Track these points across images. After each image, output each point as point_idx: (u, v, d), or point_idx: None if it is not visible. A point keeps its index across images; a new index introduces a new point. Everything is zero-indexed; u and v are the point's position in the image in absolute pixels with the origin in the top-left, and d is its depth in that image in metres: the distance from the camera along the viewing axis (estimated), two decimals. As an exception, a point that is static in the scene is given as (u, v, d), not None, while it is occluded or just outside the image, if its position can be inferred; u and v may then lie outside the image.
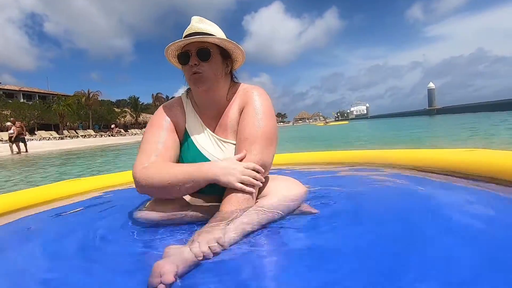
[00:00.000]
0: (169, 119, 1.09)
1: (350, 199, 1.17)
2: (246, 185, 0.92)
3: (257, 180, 0.94)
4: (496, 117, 17.52)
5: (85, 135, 31.18)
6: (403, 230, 0.82)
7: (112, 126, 37.94)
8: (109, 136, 31.98)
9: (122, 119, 44.54)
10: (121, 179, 2.02)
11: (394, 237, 0.78)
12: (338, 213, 1.01)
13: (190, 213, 1.01)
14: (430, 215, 0.95)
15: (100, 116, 40.02)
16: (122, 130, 38.83)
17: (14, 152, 11.69)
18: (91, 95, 40.35)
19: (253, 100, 1.05)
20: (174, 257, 0.67)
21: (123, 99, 54.98)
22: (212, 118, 1.11)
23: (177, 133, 1.10)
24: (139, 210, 1.04)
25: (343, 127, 24.99)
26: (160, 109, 1.14)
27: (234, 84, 1.13)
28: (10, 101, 35.54)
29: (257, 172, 0.95)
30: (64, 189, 1.74)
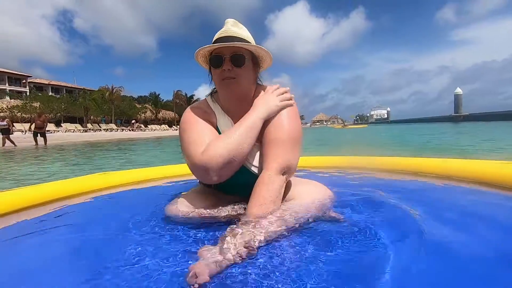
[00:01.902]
0: (203, 117, 1.09)
1: (375, 206, 1.13)
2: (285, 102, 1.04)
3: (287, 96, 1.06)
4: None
5: (107, 129, 32.31)
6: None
7: (133, 121, 39.05)
8: (129, 130, 32.95)
9: (143, 114, 45.75)
10: (154, 173, 2.04)
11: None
12: (364, 220, 0.98)
13: (217, 211, 1.02)
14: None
15: (122, 111, 41.29)
16: (142, 126, 39.89)
17: (5, 145, 10.74)
18: (114, 90, 41.70)
19: None
20: (208, 259, 0.71)
21: (144, 96, 56.40)
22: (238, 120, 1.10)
23: None
24: (167, 207, 1.06)
25: (368, 131, 24.16)
26: (189, 110, 1.11)
27: (258, 86, 1.12)
28: (39, 94, 37.45)
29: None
30: (96, 182, 1.75)
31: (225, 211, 1.02)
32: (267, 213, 0.89)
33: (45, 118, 12.13)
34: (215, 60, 1.01)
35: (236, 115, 1.09)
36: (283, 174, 0.97)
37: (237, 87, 1.02)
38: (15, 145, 10.85)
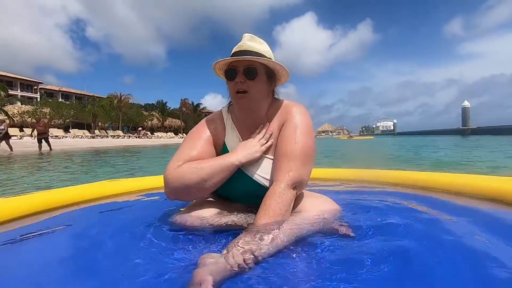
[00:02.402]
0: (209, 132, 1.12)
1: (386, 223, 1.09)
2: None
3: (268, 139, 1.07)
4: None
5: (114, 136, 32.71)
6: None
7: (139, 128, 39.47)
8: (136, 137, 33.28)
9: (150, 122, 46.25)
10: (161, 182, 2.02)
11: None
12: (373, 237, 0.95)
13: (225, 221, 1.02)
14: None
15: (129, 118, 41.82)
16: (148, 133, 40.29)
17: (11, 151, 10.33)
18: (122, 98, 42.34)
19: (294, 117, 1.07)
20: (211, 267, 0.70)
21: (151, 103, 57.10)
22: (252, 133, 1.11)
23: (215, 147, 1.12)
24: (175, 214, 1.08)
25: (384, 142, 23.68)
26: (202, 122, 1.17)
27: (274, 101, 1.14)
28: (50, 100, 38.29)
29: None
30: (102, 190, 1.76)
31: (232, 220, 1.02)
32: (275, 225, 0.90)
33: (45, 123, 11.88)
34: (229, 73, 1.04)
35: (247, 129, 1.11)
36: (293, 188, 0.98)
37: (249, 100, 1.04)
38: (10, 150, 10.52)
